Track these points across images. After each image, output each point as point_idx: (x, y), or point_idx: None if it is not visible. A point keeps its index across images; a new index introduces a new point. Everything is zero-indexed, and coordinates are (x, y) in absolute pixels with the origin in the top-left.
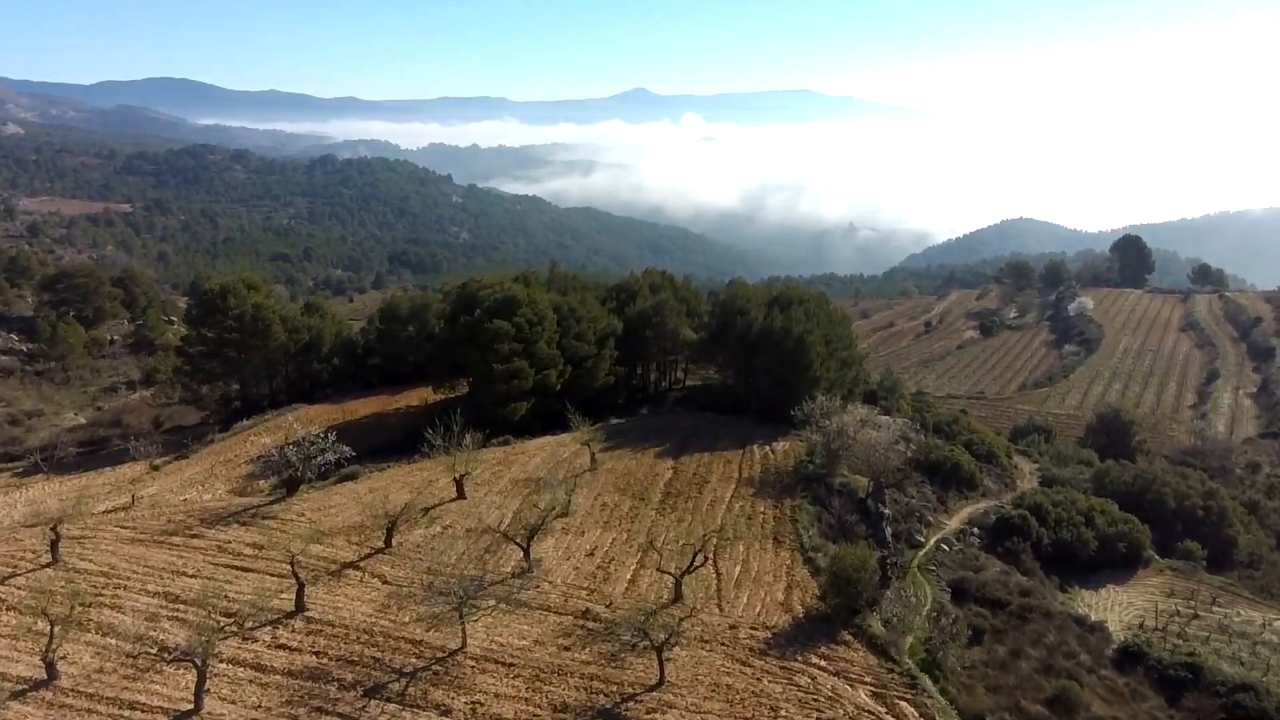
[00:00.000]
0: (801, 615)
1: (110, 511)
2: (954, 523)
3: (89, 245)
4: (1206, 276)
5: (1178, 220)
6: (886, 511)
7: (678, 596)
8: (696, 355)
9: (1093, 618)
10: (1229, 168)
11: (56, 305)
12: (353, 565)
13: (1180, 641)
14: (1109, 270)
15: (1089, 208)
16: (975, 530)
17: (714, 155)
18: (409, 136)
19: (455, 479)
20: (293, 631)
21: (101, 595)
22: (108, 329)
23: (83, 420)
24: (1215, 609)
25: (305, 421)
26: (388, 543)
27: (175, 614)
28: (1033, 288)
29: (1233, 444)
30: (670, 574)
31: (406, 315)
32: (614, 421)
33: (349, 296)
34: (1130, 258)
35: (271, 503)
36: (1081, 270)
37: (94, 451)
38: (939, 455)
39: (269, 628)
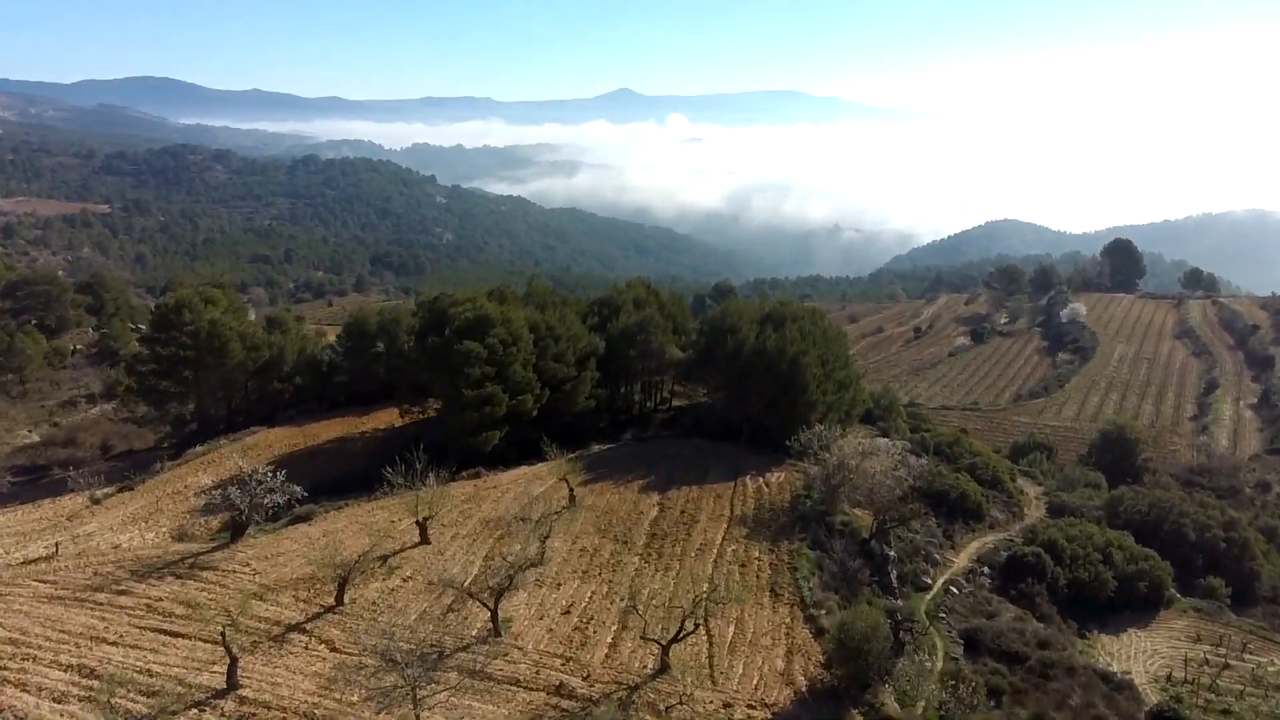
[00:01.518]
0: (804, 689)
1: (30, 563)
2: (962, 560)
3: (64, 247)
4: (1198, 281)
5: (1161, 221)
6: (892, 554)
7: (664, 667)
8: (684, 375)
9: (1116, 668)
10: (1211, 169)
11: (16, 314)
12: (298, 628)
13: (1213, 696)
14: (1099, 275)
15: (1073, 209)
16: (985, 569)
17: (699, 156)
18: (393, 137)
19: (418, 522)
20: (221, 716)
21: (5, 669)
22: (71, 338)
23: (36, 438)
24: (1246, 656)
25: (264, 446)
26: (339, 600)
27: (88, 694)
28: (1023, 292)
29: (1239, 461)
30: (656, 641)
31: (375, 330)
32: (595, 449)
33: (328, 300)
34: (1121, 262)
35: (214, 549)
36: (1072, 275)
37: (35, 480)
38: (943, 484)
39: (194, 710)
